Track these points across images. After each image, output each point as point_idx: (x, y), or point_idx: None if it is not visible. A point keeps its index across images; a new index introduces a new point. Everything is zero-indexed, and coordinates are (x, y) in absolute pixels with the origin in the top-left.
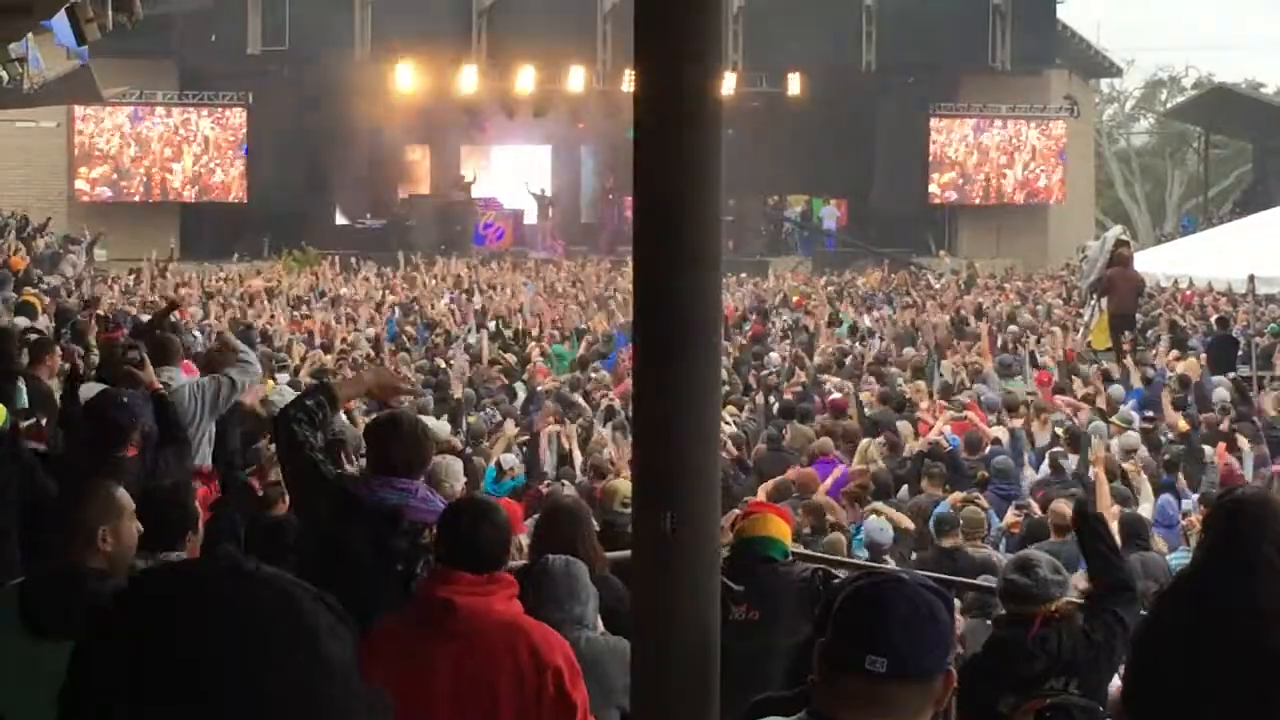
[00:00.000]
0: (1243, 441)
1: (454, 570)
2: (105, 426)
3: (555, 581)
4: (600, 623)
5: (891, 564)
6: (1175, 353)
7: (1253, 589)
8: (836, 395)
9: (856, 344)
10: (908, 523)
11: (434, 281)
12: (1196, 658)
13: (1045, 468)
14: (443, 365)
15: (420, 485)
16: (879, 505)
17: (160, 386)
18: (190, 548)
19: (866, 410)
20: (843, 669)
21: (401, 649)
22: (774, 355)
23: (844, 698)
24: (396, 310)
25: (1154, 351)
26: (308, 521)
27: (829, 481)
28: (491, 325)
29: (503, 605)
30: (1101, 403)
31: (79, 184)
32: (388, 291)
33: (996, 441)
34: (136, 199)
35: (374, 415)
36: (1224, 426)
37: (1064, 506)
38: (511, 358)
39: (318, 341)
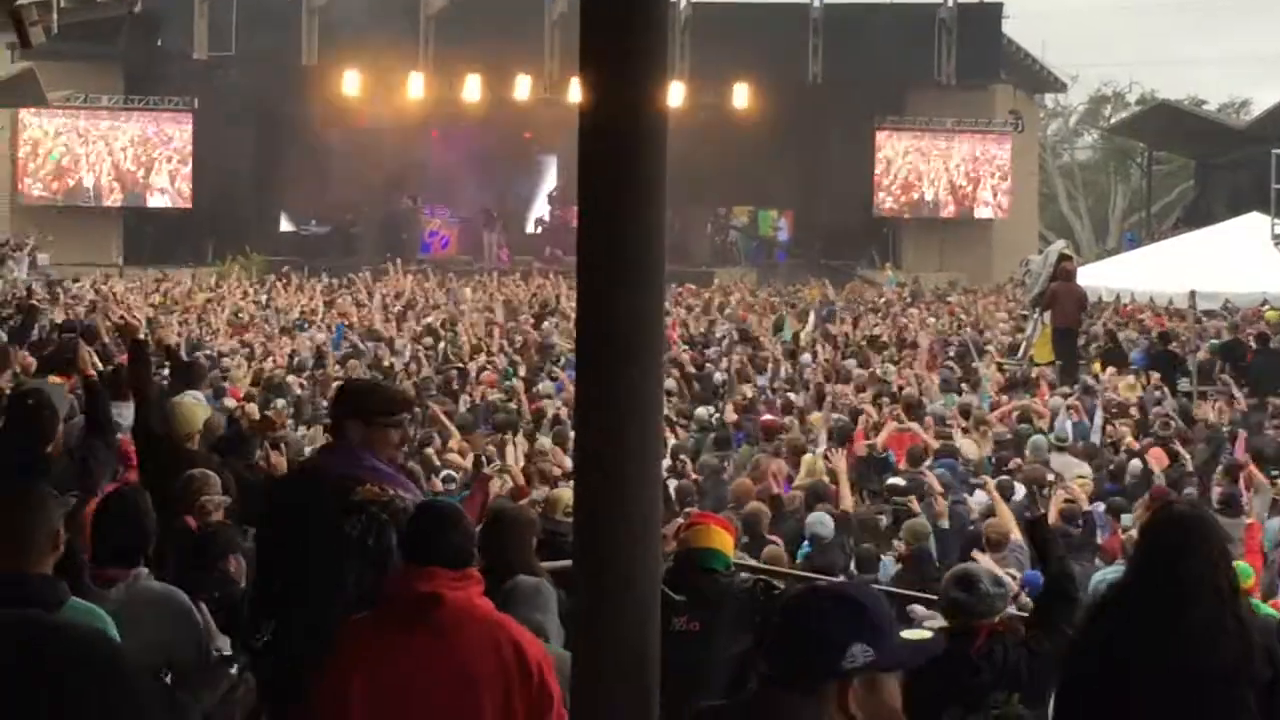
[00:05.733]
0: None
1: (429, 567)
2: (23, 427)
3: (521, 589)
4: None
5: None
6: (1113, 369)
7: (1181, 606)
8: (769, 416)
9: (802, 356)
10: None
11: (377, 294)
12: (1124, 677)
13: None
14: (387, 366)
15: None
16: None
17: (93, 373)
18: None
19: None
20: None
21: (381, 646)
22: (716, 375)
23: (758, 704)
24: (341, 320)
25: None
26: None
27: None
28: (429, 339)
29: (481, 600)
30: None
31: (23, 188)
32: (327, 305)
33: (940, 453)
34: (80, 203)
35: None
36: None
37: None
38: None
39: (259, 353)
